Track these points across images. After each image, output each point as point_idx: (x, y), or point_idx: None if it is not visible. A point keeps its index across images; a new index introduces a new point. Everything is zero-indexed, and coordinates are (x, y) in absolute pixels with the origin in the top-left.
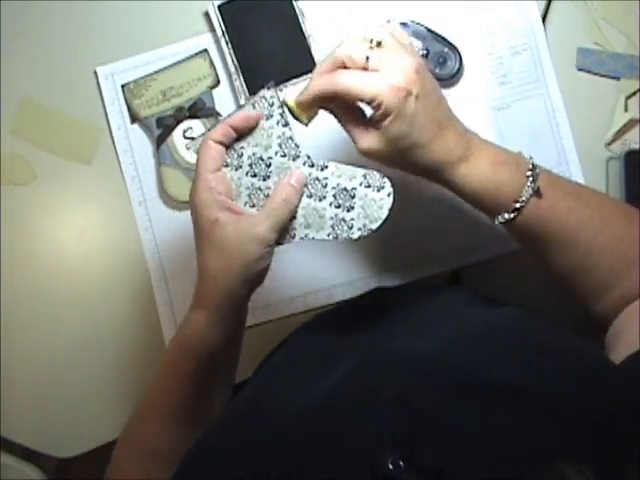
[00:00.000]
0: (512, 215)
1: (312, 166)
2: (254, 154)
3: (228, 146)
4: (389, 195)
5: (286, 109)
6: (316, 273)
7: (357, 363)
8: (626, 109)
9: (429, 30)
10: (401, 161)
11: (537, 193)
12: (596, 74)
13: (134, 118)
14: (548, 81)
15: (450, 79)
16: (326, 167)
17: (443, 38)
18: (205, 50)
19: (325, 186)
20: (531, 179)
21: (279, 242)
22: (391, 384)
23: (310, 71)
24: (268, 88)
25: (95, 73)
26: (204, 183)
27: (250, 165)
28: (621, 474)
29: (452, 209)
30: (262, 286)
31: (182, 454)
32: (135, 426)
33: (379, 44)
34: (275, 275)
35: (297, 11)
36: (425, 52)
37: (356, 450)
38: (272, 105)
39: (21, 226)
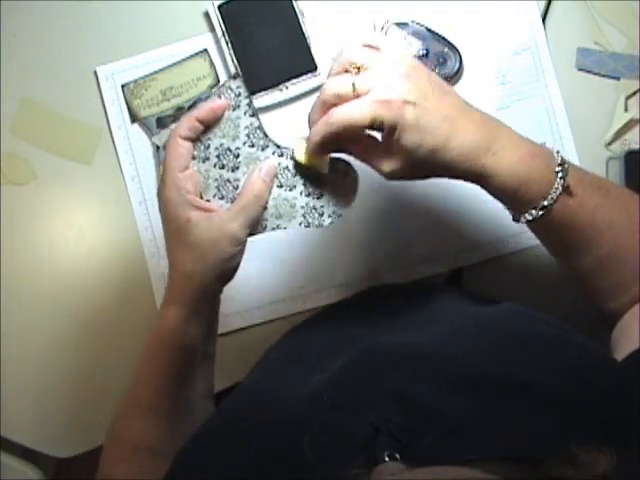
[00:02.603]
0: (540, 213)
1: (281, 155)
2: (221, 145)
3: (195, 139)
4: (354, 180)
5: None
6: (316, 273)
7: (354, 356)
8: (626, 109)
9: (429, 30)
10: (428, 170)
11: (567, 190)
12: (596, 74)
13: (134, 118)
14: (548, 81)
15: (450, 79)
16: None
17: (443, 38)
18: (205, 50)
19: (295, 175)
20: (561, 175)
21: (250, 233)
22: (388, 377)
23: (310, 71)
24: (234, 78)
25: (95, 73)
26: (172, 182)
27: (218, 156)
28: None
29: (452, 209)
30: (262, 286)
31: (169, 449)
32: (119, 424)
33: (359, 68)
34: (274, 275)
35: (297, 11)
36: (425, 52)
37: (352, 443)
38: (239, 95)
39: (21, 226)
